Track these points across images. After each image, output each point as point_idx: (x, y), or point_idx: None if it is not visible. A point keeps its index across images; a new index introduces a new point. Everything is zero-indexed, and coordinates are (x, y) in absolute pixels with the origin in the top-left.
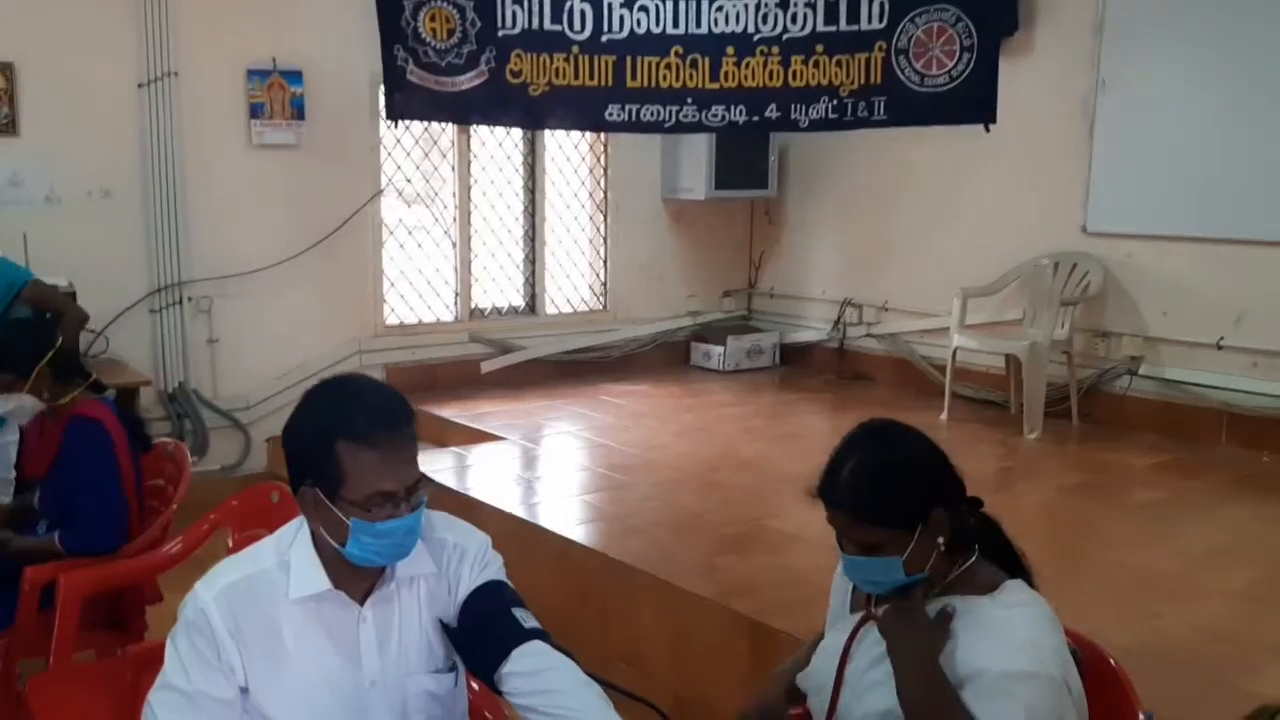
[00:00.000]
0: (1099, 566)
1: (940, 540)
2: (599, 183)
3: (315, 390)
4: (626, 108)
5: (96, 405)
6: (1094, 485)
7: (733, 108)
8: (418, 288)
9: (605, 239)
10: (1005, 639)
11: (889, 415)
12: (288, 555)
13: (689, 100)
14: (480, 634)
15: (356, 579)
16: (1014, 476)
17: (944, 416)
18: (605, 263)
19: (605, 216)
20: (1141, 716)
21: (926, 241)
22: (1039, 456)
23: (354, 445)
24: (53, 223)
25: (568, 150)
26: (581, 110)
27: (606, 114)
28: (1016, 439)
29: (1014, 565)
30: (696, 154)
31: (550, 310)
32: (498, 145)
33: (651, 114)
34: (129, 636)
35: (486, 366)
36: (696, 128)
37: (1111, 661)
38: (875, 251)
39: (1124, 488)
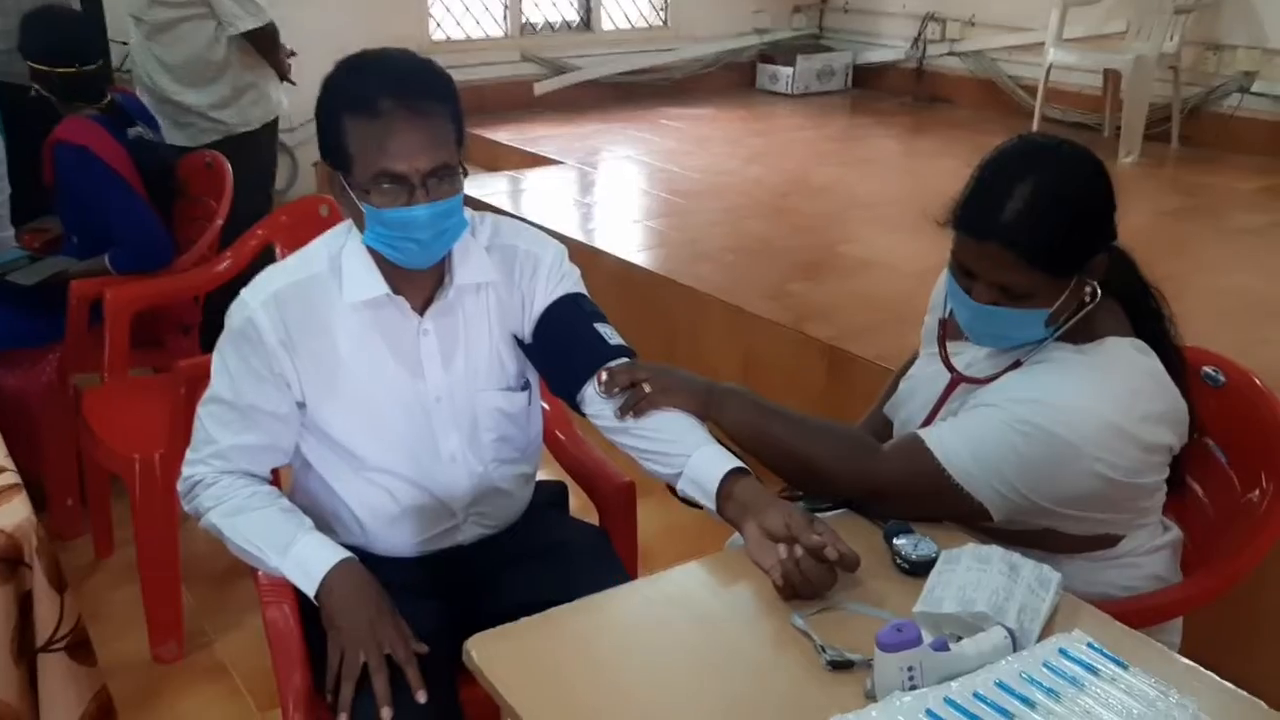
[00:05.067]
0: (1201, 290)
1: (1088, 289)
2: None
3: (340, 62)
4: None
5: (83, 126)
6: (1195, 209)
7: None
8: (465, 0)
9: None
10: (1046, 382)
11: (970, 139)
12: (340, 258)
13: None
14: (561, 351)
15: (413, 284)
16: None
17: None
18: None
19: None
20: None
21: None
22: (1135, 180)
23: (357, 118)
24: None
25: None
26: None
27: None
28: (1111, 163)
29: (1142, 306)
30: None
31: (607, 26)
32: None
33: None
34: (173, 356)
35: (540, 88)
36: None
37: (1258, 382)
38: None
39: (1227, 211)
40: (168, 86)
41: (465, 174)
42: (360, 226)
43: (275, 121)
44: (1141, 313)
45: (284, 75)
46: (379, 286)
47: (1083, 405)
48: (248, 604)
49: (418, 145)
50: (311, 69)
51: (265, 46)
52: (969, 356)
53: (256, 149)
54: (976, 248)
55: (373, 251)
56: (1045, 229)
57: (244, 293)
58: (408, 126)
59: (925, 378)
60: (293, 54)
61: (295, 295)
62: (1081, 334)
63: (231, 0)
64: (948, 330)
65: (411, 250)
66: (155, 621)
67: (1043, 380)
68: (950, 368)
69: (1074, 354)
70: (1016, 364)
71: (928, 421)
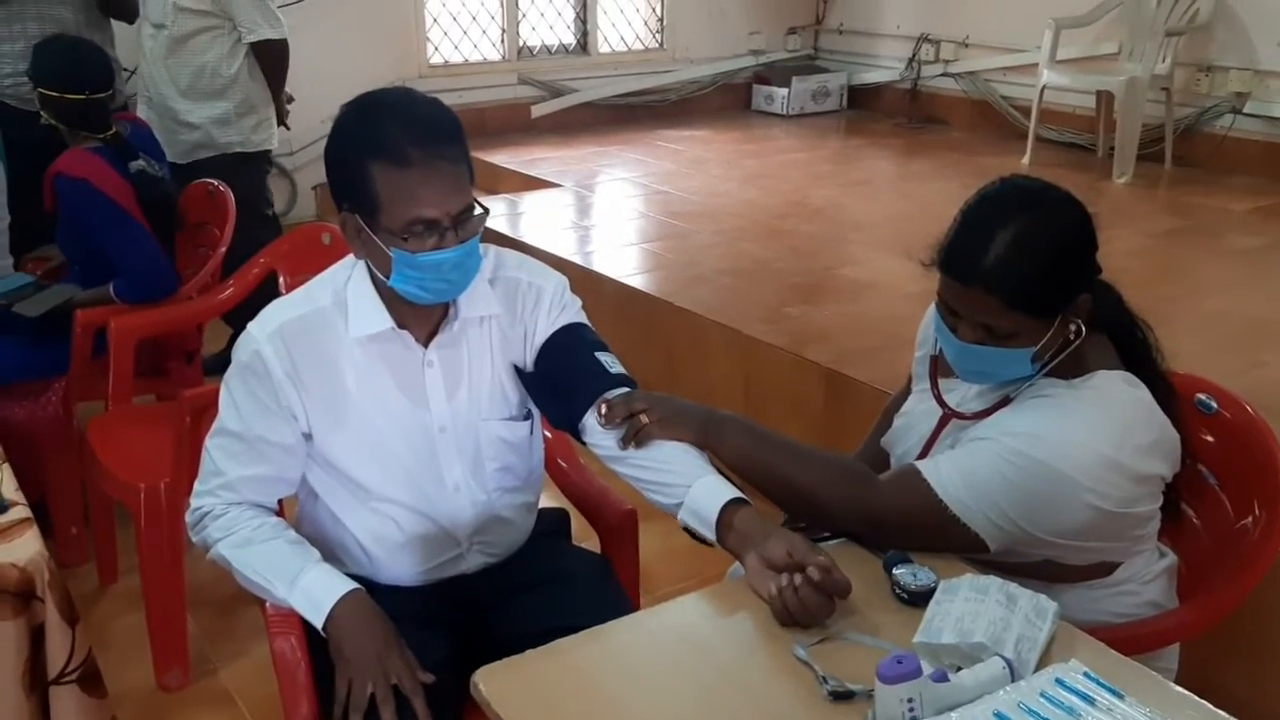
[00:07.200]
0: (1196, 314)
1: (1073, 327)
2: None
3: (349, 105)
4: None
5: (84, 158)
6: (1189, 229)
7: None
8: (462, 24)
9: None
10: (1038, 417)
11: (965, 161)
12: (344, 293)
13: None
14: (562, 380)
15: (419, 318)
16: (1101, 222)
17: (1026, 160)
18: None
19: None
20: None
21: None
22: (1129, 201)
23: (387, 166)
24: None
25: None
26: None
27: None
28: (1105, 183)
29: (1130, 338)
30: None
31: (603, 49)
32: None
33: None
34: (177, 384)
35: (537, 110)
36: None
37: (1249, 410)
38: None
39: (1221, 232)
40: (174, 102)
41: (487, 212)
42: (382, 269)
43: (269, 154)
44: (1129, 344)
45: (282, 117)
46: (384, 321)
47: (1076, 439)
48: (253, 631)
49: (448, 190)
50: (313, 92)
51: (275, 63)
52: (960, 394)
53: (248, 174)
54: (960, 291)
55: (378, 286)
56: (1027, 274)
57: (250, 327)
58: (437, 174)
59: (919, 414)
60: (290, 99)
61: (301, 329)
62: (1071, 369)
63: (253, 8)
64: (939, 367)
65: (442, 289)
66: (160, 649)
67: (1036, 415)
68: (942, 404)
69: (1065, 389)
70: (1006, 400)
71: (922, 457)
